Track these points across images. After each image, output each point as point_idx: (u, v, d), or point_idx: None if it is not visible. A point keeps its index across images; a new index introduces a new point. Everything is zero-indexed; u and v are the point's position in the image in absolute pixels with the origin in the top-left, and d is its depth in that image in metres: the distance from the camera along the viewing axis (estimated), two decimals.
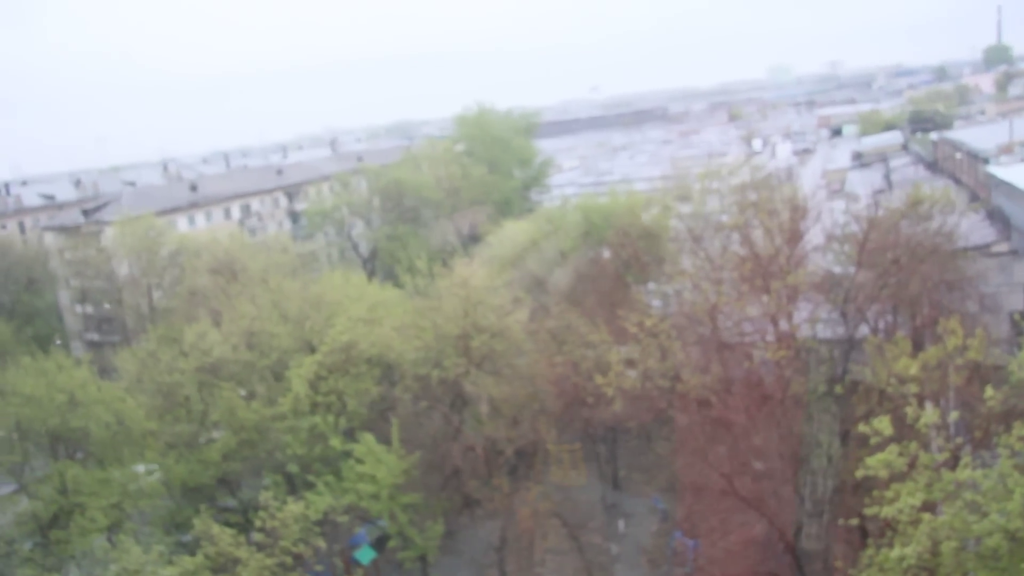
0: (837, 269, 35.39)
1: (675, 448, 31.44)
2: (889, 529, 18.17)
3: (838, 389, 29.65)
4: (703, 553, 29.82)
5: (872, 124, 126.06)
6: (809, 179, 72.65)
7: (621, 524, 40.32)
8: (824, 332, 34.22)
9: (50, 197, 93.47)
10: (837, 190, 64.44)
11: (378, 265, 71.97)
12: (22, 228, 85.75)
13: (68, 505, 32.88)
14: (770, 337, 31.39)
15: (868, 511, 18.32)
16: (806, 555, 26.63)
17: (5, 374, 35.57)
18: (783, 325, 31.50)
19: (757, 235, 34.12)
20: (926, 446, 19.24)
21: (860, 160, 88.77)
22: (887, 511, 17.53)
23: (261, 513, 28.45)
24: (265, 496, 29.43)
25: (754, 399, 27.98)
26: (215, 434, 38.36)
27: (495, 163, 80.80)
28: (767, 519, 25.63)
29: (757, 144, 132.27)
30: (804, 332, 32.36)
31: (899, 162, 77.90)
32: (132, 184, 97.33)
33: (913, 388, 19.78)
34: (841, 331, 33.66)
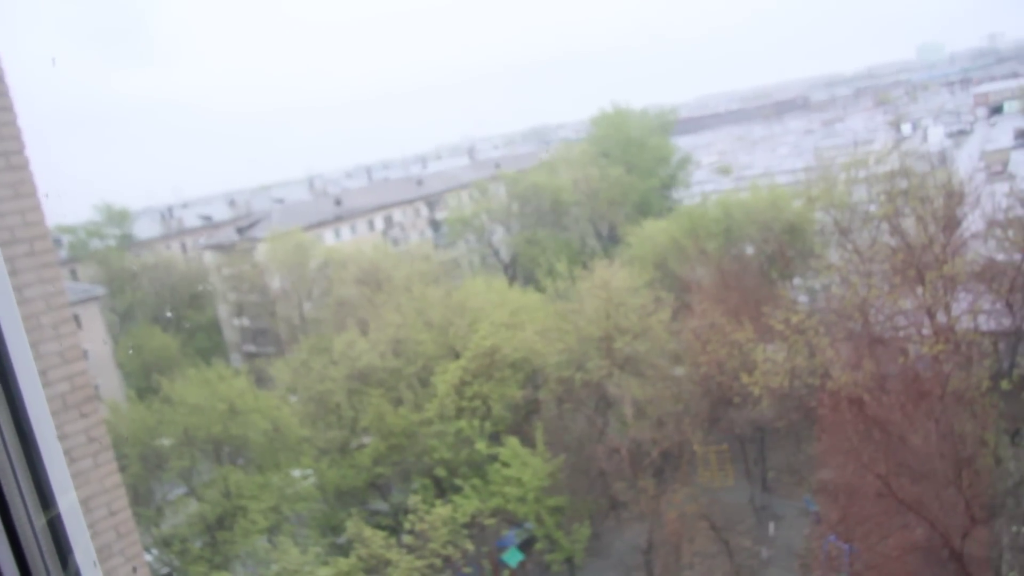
0: (1001, 256, 33.30)
1: (826, 448, 30.31)
2: None
3: (1004, 384, 27.94)
4: (859, 558, 28.55)
5: None
6: (966, 162, 68.45)
7: (771, 527, 39.15)
8: (987, 324, 32.28)
9: (207, 217, 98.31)
10: (999, 172, 60.52)
11: (518, 270, 72.45)
12: (184, 248, 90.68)
13: (231, 508, 34.50)
14: (926, 331, 29.89)
15: None
16: (975, 562, 25.07)
17: (174, 385, 37.74)
18: (940, 317, 29.92)
19: (908, 224, 32.59)
20: None
21: None
22: None
23: (410, 516, 29.22)
24: (414, 499, 30.24)
25: (910, 396, 26.60)
26: (365, 440, 39.59)
27: (632, 163, 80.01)
28: (929, 523, 24.31)
29: (906, 129, 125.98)
30: (964, 324, 30.59)
31: None
32: (281, 201, 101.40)
33: None
34: (1007, 323, 31.67)
